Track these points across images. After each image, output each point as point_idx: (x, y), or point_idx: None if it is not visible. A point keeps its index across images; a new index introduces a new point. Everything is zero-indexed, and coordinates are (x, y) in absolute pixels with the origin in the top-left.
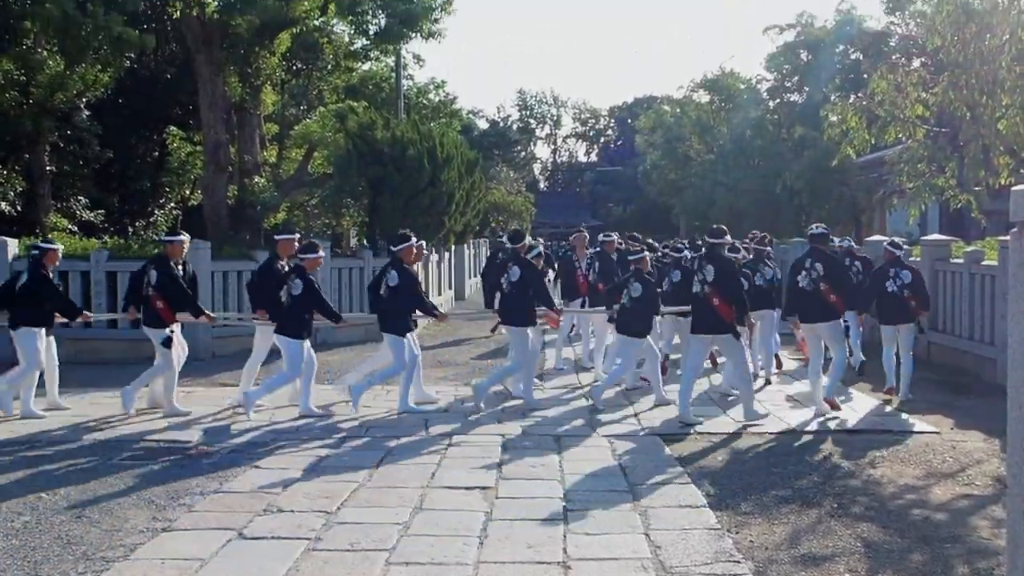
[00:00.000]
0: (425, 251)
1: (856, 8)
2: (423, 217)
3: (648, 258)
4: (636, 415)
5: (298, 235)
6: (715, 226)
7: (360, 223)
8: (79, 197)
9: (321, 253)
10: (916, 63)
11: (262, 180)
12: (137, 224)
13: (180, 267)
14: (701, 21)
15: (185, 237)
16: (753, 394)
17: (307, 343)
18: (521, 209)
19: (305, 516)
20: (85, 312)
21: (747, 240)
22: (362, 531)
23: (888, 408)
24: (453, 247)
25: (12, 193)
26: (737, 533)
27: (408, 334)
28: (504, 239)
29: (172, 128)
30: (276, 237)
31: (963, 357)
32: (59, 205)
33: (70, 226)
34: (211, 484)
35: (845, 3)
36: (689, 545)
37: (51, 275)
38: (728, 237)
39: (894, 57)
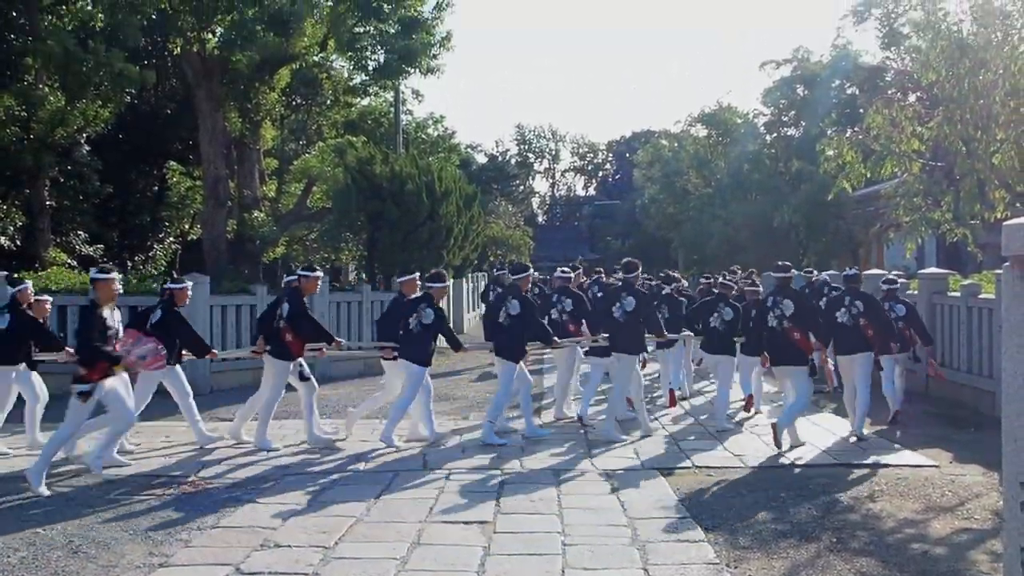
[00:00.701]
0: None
1: (852, 43)
2: (422, 251)
3: (734, 288)
4: (635, 449)
5: (418, 274)
6: (780, 263)
7: (359, 257)
8: (79, 232)
9: (448, 283)
10: (911, 98)
11: (261, 214)
12: (136, 258)
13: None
14: (699, 57)
15: (320, 273)
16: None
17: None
18: (520, 243)
19: (303, 551)
20: (213, 350)
21: (728, 275)
22: (360, 566)
23: (884, 435)
24: (452, 281)
25: (12, 228)
26: (736, 568)
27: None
28: (590, 271)
29: (172, 163)
30: (399, 280)
31: (961, 390)
32: (59, 240)
33: (69, 261)
34: (208, 519)
35: (841, 38)
36: None
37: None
38: (792, 272)
39: (890, 92)
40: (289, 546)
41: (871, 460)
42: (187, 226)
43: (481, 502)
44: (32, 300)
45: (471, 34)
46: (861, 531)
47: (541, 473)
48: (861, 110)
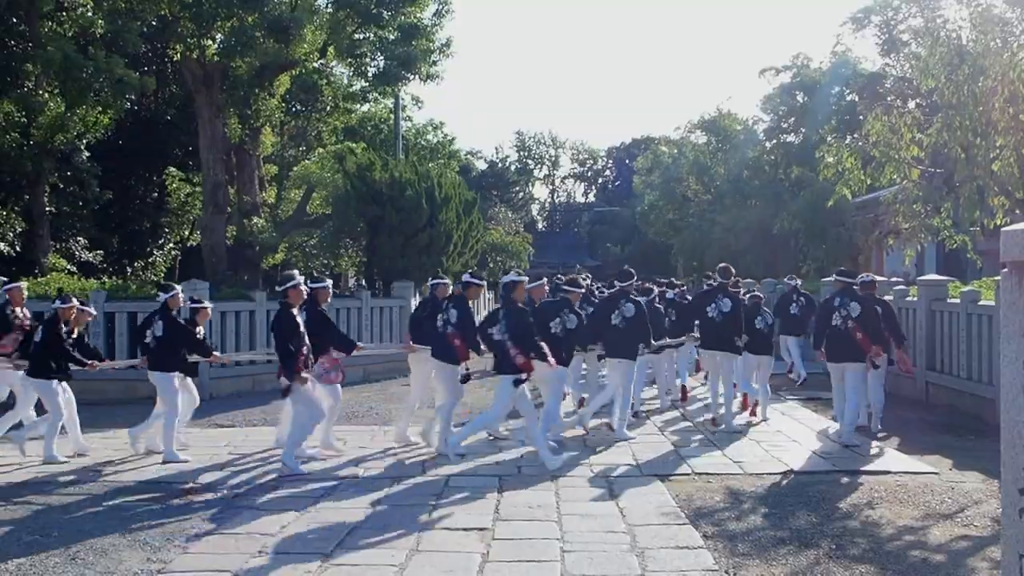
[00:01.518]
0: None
1: (851, 50)
2: (421, 257)
3: (762, 298)
4: (633, 455)
5: (526, 279)
6: (844, 268)
7: (358, 263)
8: (78, 238)
9: (583, 289)
10: (911, 104)
11: (261, 221)
12: (136, 264)
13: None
14: (698, 63)
15: (484, 282)
16: (856, 419)
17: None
18: (519, 249)
19: (301, 557)
20: (359, 344)
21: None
22: (359, 573)
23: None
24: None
25: (11, 234)
26: (734, 575)
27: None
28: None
29: (171, 169)
30: (529, 287)
31: (961, 397)
32: (58, 246)
33: (69, 266)
34: (207, 525)
35: (840, 45)
36: None
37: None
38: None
39: (889, 98)
40: (287, 552)
41: (870, 467)
42: (187, 232)
43: (480, 508)
44: (180, 305)
45: (471, 40)
46: (860, 538)
47: (540, 479)
48: (861, 117)
